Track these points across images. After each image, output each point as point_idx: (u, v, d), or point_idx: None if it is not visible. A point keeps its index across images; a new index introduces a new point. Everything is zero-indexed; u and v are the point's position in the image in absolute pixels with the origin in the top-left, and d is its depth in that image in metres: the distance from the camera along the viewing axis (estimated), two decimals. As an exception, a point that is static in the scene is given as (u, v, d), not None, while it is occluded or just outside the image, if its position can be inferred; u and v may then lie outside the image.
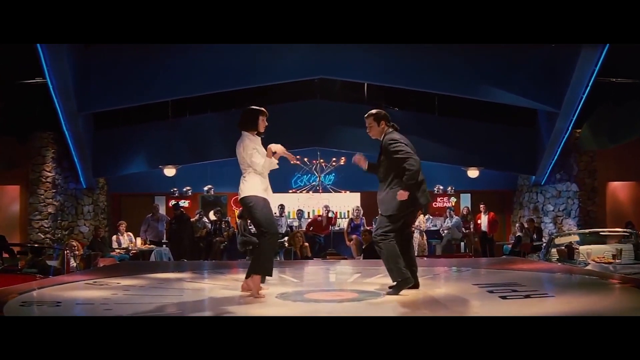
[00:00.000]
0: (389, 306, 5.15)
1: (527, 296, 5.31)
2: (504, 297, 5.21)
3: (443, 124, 17.02)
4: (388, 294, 5.54)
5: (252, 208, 5.68)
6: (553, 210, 17.00)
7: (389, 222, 5.66)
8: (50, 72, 12.28)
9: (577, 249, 9.90)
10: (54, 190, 15.57)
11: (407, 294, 5.54)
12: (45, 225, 15.30)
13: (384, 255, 5.63)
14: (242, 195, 5.74)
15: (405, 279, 5.54)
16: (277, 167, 5.81)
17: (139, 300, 5.57)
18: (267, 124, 5.90)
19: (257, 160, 5.66)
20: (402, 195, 5.46)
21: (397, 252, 5.60)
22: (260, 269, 5.65)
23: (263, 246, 5.69)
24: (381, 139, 5.78)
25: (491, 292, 5.59)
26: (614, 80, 13.96)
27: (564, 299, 5.36)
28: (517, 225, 16.68)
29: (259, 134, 5.88)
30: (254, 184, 5.70)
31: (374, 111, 5.90)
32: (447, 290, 6.19)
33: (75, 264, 9.21)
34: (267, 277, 5.79)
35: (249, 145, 5.72)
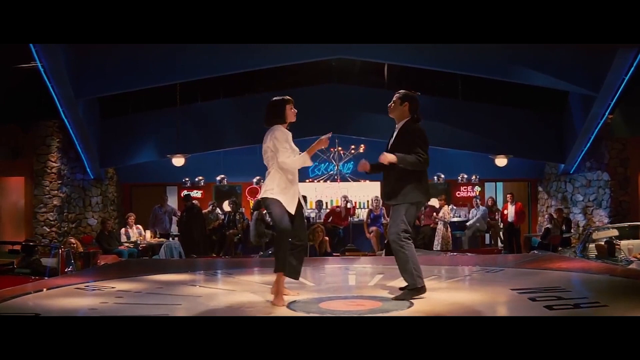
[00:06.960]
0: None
1: (576, 305, 4.76)
2: (549, 307, 4.65)
3: (466, 109, 16.37)
4: (397, 298, 5.22)
5: (268, 209, 5.46)
6: (582, 201, 16.31)
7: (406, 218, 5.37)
8: (41, 54, 11.47)
9: (619, 245, 9.16)
10: (60, 182, 15.00)
11: (423, 296, 5.23)
12: (51, 218, 14.75)
13: (405, 258, 5.23)
14: (262, 195, 5.45)
15: (422, 287, 5.26)
16: (311, 164, 5.51)
17: (130, 310, 5.00)
18: (295, 111, 5.56)
19: (286, 160, 5.29)
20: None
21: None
22: (277, 266, 5.26)
23: (274, 243, 5.56)
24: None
25: (533, 299, 5.03)
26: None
27: (621, 309, 4.65)
28: (545, 216, 16.01)
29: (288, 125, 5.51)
30: (273, 185, 5.34)
31: None
32: (482, 297, 5.46)
33: (72, 263, 8.61)
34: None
35: (280, 138, 5.32)
